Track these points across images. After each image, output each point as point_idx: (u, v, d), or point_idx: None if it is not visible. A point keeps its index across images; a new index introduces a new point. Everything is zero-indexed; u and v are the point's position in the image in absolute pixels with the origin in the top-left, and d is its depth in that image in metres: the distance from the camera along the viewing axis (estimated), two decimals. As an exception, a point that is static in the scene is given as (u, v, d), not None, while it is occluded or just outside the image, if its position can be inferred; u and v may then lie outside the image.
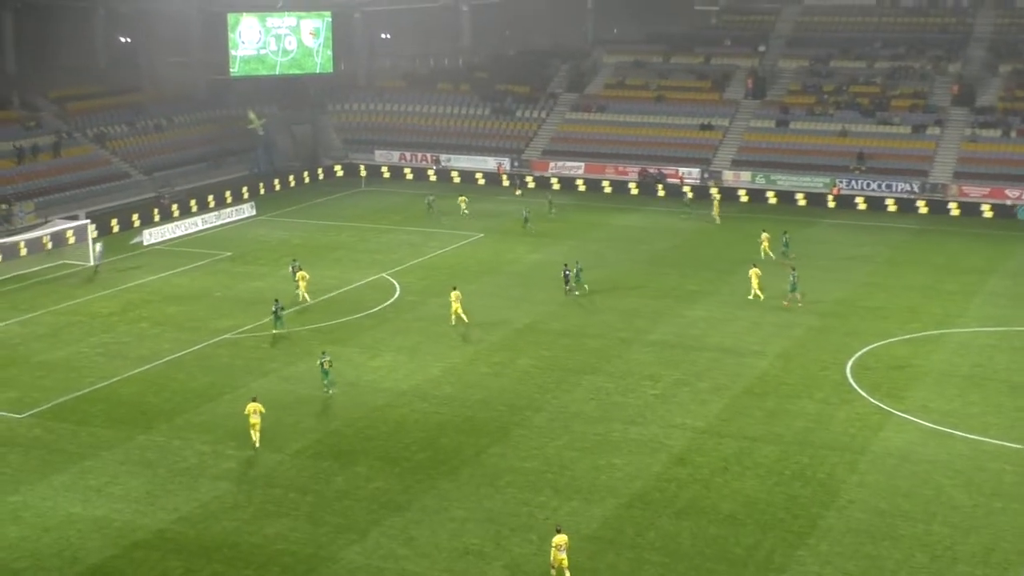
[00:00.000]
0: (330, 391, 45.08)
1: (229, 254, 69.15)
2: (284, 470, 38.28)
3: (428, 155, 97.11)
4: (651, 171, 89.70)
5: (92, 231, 70.39)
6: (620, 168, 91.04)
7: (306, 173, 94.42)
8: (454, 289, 54.88)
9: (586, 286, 59.33)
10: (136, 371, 48.34)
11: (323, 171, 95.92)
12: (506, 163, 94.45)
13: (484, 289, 60.73)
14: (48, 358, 50.25)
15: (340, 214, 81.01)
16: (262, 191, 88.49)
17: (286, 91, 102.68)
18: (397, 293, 59.62)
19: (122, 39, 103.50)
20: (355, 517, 34.98)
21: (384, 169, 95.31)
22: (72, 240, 69.93)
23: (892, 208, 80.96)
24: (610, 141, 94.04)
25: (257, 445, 40.10)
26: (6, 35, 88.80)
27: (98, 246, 66.79)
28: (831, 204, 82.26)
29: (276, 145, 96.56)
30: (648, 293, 59.79)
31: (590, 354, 49.84)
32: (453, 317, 53.45)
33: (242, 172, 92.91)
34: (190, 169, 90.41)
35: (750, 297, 57.46)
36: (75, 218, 73.20)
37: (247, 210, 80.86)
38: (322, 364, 45.39)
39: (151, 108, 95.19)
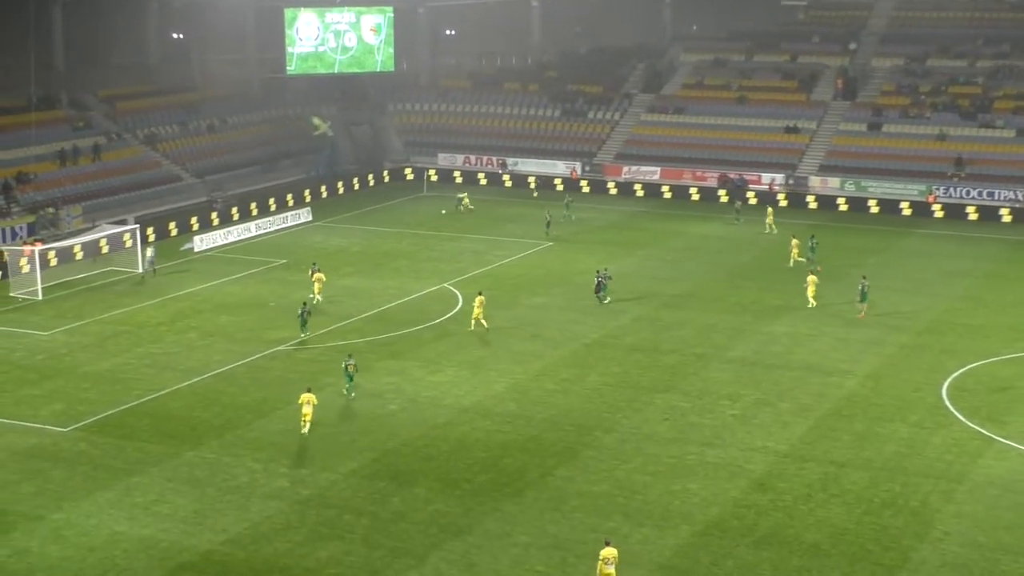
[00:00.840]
0: (351, 395, 46.00)
1: (284, 262, 69.55)
2: (338, 490, 38.20)
3: (494, 158, 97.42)
4: (731, 177, 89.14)
5: (150, 236, 70.95)
6: (699, 173, 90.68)
7: (370, 176, 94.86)
8: (479, 294, 55.41)
9: (608, 298, 59.25)
10: (185, 384, 48.59)
11: (386, 175, 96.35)
12: (578, 167, 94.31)
13: (552, 301, 60.61)
14: (94, 369, 50.93)
15: (401, 220, 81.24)
16: (322, 195, 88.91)
17: (345, 90, 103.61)
18: (459, 304, 59.64)
19: (174, 35, 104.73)
20: (412, 541, 34.78)
21: (457, 175, 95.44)
22: (127, 245, 70.37)
23: (1007, 218, 79.92)
24: (688, 145, 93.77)
25: (305, 432, 41.84)
26: (55, 31, 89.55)
27: (149, 251, 67.54)
28: (939, 214, 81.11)
29: (335, 147, 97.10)
30: (727, 307, 59.44)
31: (664, 371, 49.55)
32: (473, 322, 53.81)
33: (298, 175, 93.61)
34: (244, 172, 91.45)
35: (809, 306, 57.46)
36: (123, 223, 73.99)
37: (303, 215, 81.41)
38: (347, 367, 46.08)
39: (203, 108, 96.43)
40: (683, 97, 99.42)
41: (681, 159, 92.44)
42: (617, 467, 40.02)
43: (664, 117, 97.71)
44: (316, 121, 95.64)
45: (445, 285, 63.71)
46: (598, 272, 60.17)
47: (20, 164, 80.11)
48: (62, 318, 58.64)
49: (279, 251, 72.48)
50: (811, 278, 58.26)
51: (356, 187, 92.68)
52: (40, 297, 62.25)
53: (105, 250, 69.01)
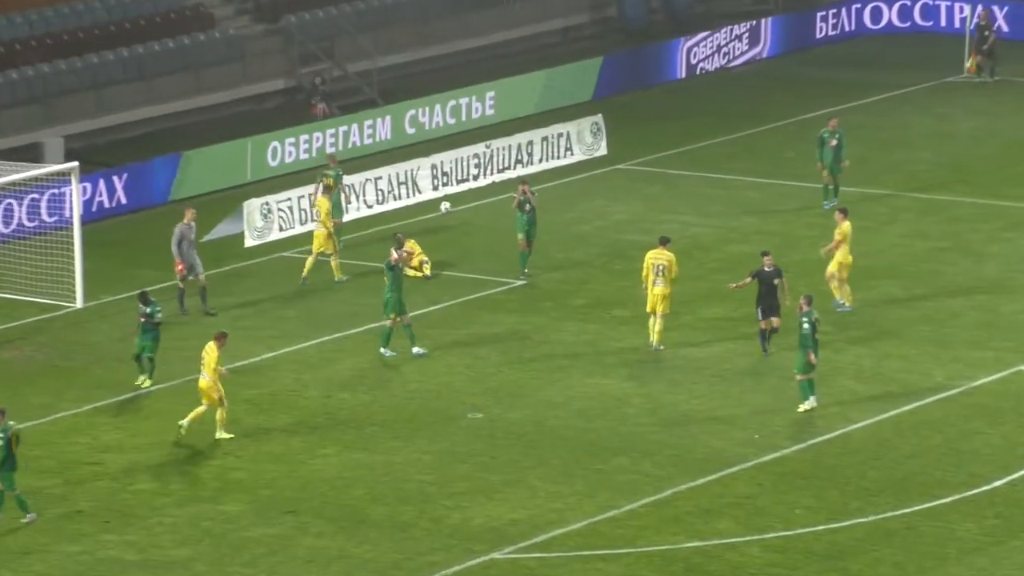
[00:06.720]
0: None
1: (522, 283, 66.07)
2: None
3: None
4: None
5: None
6: None
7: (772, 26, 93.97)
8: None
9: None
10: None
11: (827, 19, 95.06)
12: None
13: None
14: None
15: (871, 168, 76.88)
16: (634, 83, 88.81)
17: None
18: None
19: None
20: None
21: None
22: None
23: None
24: None
25: (184, 427, 48.98)
26: None
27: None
28: None
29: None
30: None
31: None
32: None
33: (573, 19, 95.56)
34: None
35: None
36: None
37: (581, 143, 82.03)
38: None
39: None
40: None
41: None
42: None
43: None
44: None
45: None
46: (765, 254, 60.39)
47: None
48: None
49: (498, 249, 67.96)
50: None
51: (729, 57, 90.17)
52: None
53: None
